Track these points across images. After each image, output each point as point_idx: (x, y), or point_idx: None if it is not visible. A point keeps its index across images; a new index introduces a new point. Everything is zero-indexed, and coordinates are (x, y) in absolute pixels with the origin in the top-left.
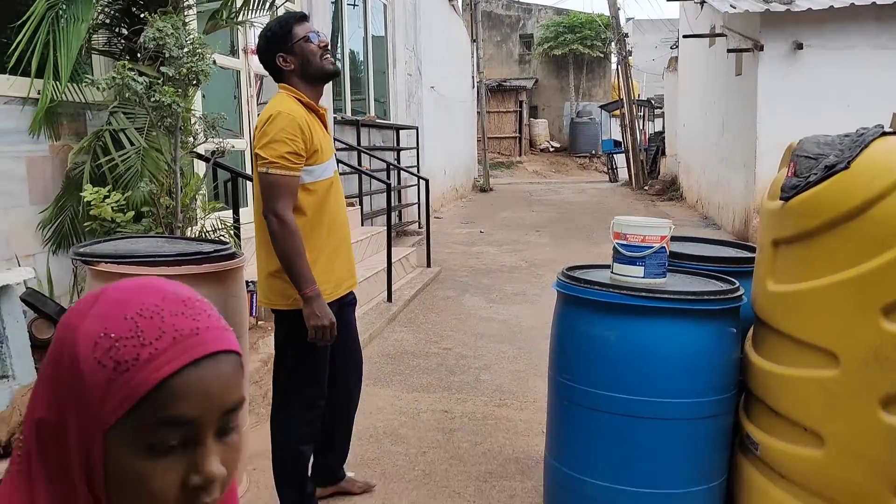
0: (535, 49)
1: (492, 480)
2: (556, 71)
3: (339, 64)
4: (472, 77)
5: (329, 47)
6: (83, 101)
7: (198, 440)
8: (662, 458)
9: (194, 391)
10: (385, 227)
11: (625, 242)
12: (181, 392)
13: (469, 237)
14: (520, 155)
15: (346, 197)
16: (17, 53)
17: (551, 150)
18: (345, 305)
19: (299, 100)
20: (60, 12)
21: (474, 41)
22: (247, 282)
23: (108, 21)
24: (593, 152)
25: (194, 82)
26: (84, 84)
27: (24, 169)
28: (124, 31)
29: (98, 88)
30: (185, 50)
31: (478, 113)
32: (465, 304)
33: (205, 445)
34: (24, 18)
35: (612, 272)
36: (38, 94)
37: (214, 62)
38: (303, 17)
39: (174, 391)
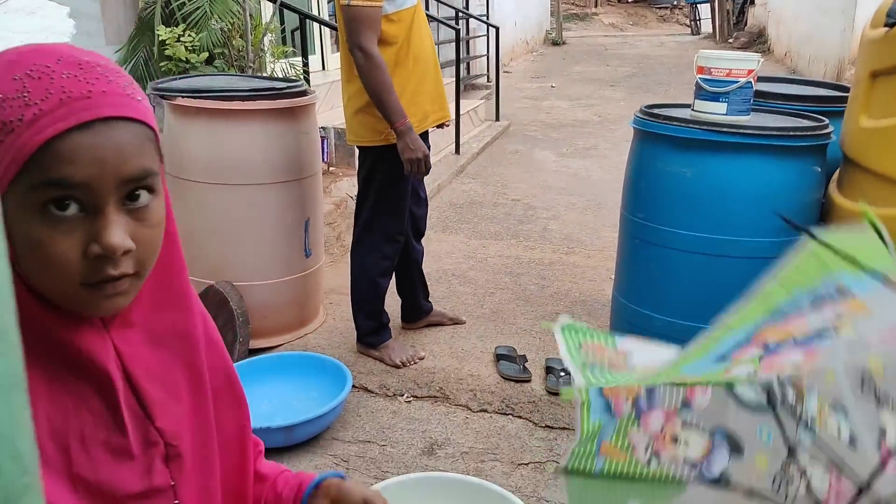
0: None
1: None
2: None
3: None
4: None
5: None
6: None
7: (96, 208)
8: (735, 296)
9: (82, 155)
10: (453, 79)
11: (708, 77)
12: (66, 154)
13: (539, 92)
14: (595, 6)
15: None
16: None
17: (629, 0)
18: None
19: None
20: None
21: None
22: (321, 127)
23: None
24: (675, 3)
25: None
26: None
27: (98, 9)
28: None
29: None
30: None
31: None
32: (534, 158)
33: (104, 214)
34: None
35: (692, 109)
36: None
37: None
38: None
39: (59, 153)
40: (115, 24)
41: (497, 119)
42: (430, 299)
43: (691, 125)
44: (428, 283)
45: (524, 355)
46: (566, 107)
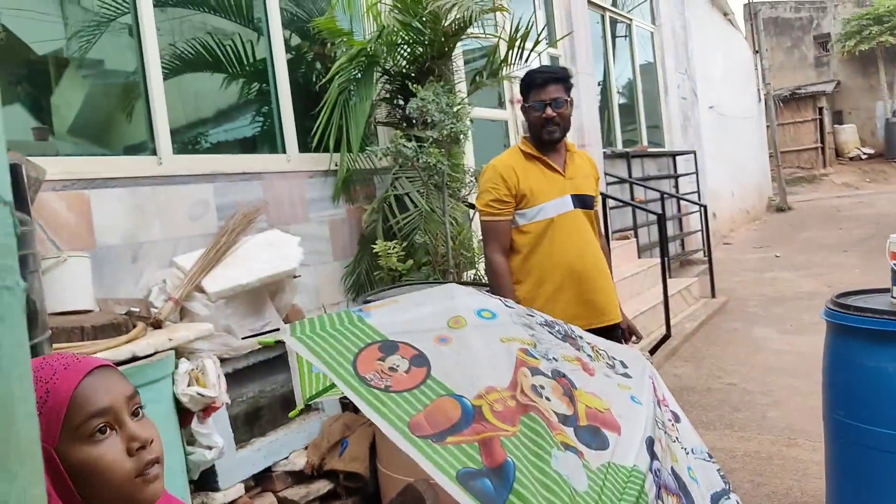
0: (834, 48)
1: None
2: (861, 69)
3: (610, 95)
4: (758, 90)
5: (556, 118)
6: (372, 167)
7: (121, 423)
8: None
9: (98, 388)
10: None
11: None
12: (89, 392)
13: (762, 262)
14: (824, 167)
15: (620, 230)
16: (318, 135)
17: (863, 157)
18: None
19: (523, 150)
20: (349, 95)
21: (757, 52)
22: None
23: (387, 96)
24: None
25: (456, 141)
26: (367, 154)
27: (328, 231)
28: (401, 103)
29: (377, 156)
30: (445, 113)
31: (767, 126)
32: (753, 336)
33: (127, 424)
34: (322, 104)
35: (892, 296)
36: (336, 166)
37: (472, 121)
38: (545, 83)
39: (84, 394)
40: (342, 242)
41: (713, 296)
42: None
43: (888, 316)
44: None
45: None
46: (791, 278)
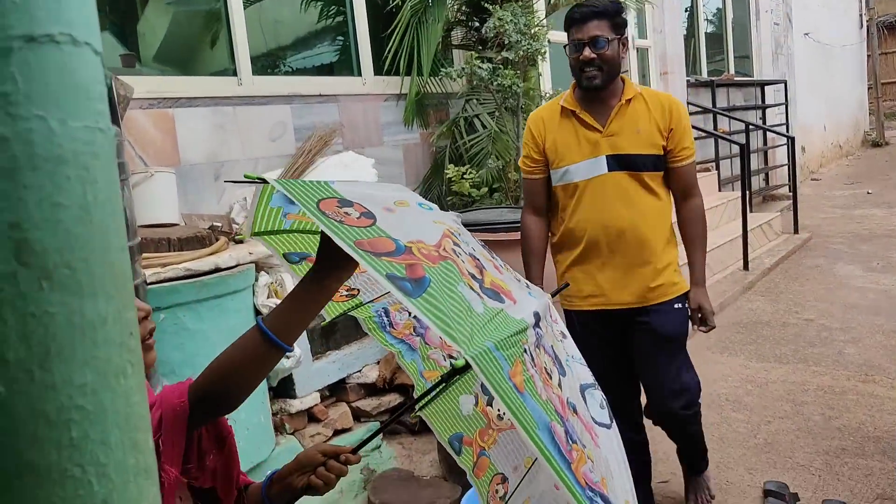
0: None
1: (844, 457)
2: None
3: (697, 22)
4: (860, 15)
5: (596, 61)
6: (445, 91)
7: None
8: None
9: None
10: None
11: None
12: None
13: (851, 199)
14: None
15: (701, 162)
16: (389, 58)
17: None
18: (630, 324)
19: (563, 103)
20: (421, 17)
21: None
22: None
23: (462, 17)
24: None
25: (531, 63)
26: (440, 76)
27: (401, 154)
28: (476, 25)
29: (451, 78)
30: (523, 34)
31: (868, 56)
32: (836, 273)
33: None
34: (393, 27)
35: None
36: (408, 89)
37: (549, 41)
38: (584, 18)
39: None
40: (415, 166)
41: (796, 231)
42: None
43: None
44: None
45: (796, 494)
46: (882, 215)
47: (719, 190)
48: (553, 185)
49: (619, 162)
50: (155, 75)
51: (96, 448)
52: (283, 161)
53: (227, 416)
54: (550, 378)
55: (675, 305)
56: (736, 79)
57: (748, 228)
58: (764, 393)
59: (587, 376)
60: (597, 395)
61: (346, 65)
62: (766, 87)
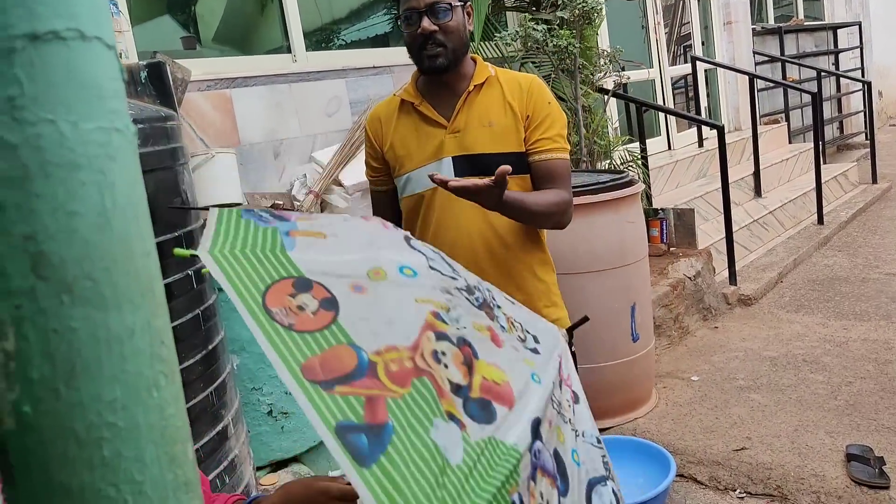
0: None
1: None
2: None
3: None
4: None
5: (437, 35)
6: (499, 55)
7: None
8: None
9: None
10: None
11: None
12: None
13: None
14: None
15: (769, 114)
16: None
17: None
18: None
19: (402, 94)
20: None
21: None
22: (659, 209)
23: None
24: None
25: (588, 22)
26: (494, 41)
27: None
28: None
29: (504, 43)
30: None
31: None
32: None
33: None
34: None
35: None
36: None
37: None
38: None
39: None
40: None
41: (874, 181)
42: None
43: None
44: (774, 370)
45: (882, 457)
46: None
47: (789, 142)
48: (399, 198)
49: (468, 164)
50: (215, 56)
51: (130, 466)
52: (341, 136)
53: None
54: None
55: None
56: (805, 24)
57: (822, 181)
58: (844, 352)
59: (598, 467)
60: (605, 495)
61: (398, 34)
62: (839, 31)
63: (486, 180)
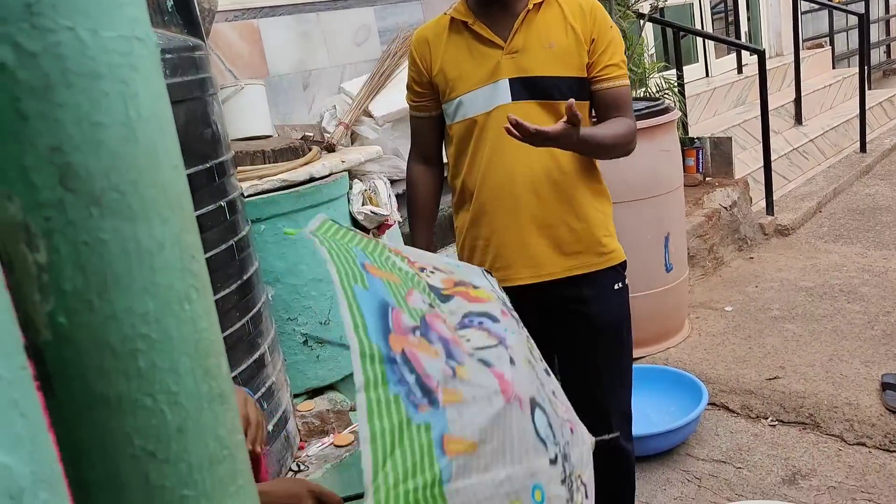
0: None
1: None
2: None
3: None
4: None
5: None
6: None
7: None
8: None
9: None
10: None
11: None
12: None
13: None
14: None
15: (812, 38)
16: None
17: None
18: (551, 309)
19: (452, 13)
20: None
21: None
22: (696, 138)
23: None
24: None
25: None
26: None
27: None
28: None
29: None
30: None
31: None
32: None
33: None
34: None
35: None
36: None
37: None
38: None
39: None
40: None
41: None
42: None
43: None
44: (810, 300)
45: None
46: None
47: (833, 67)
48: (448, 125)
49: (526, 87)
50: None
51: (165, 377)
52: (370, 66)
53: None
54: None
55: (615, 286)
56: None
57: (866, 107)
58: (883, 282)
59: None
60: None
61: None
62: None
63: (562, 123)
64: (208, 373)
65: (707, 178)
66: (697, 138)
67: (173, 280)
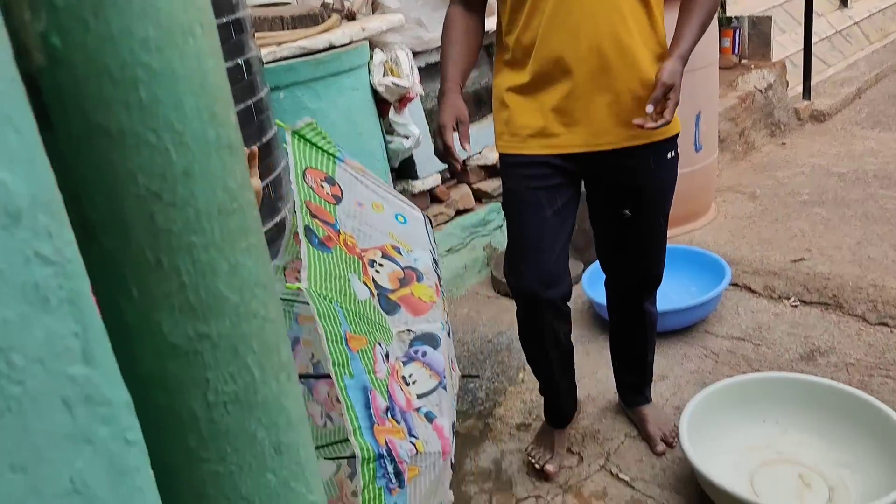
0: None
1: None
2: None
3: None
4: None
5: None
6: None
7: None
8: None
9: None
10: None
11: None
12: None
13: None
14: None
15: None
16: None
17: None
18: (598, 177)
19: None
20: None
21: None
22: (733, 17)
23: None
24: None
25: None
26: None
27: None
28: None
29: None
30: None
31: None
32: None
33: None
34: None
35: None
36: None
37: None
38: None
39: None
40: None
41: None
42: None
43: None
44: (842, 186)
45: None
46: None
47: None
48: None
49: None
50: None
51: (169, 113)
52: None
53: None
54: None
55: (669, 155)
56: None
57: None
58: None
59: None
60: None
61: None
62: None
63: (663, 76)
64: (215, 118)
65: (742, 61)
66: (735, 17)
67: (174, 9)
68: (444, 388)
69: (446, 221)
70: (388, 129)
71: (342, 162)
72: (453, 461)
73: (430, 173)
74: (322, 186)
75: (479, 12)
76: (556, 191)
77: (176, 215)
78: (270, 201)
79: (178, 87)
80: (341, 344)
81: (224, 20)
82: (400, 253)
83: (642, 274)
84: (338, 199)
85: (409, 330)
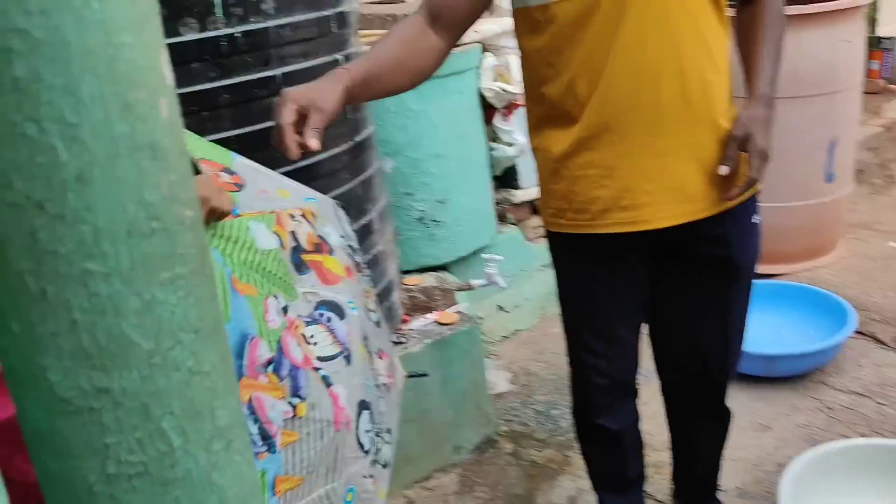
0: None
1: None
2: None
3: None
4: None
5: None
6: None
7: None
8: None
9: None
10: None
11: None
12: None
13: None
14: None
15: None
16: None
17: None
18: (675, 251)
19: None
20: None
21: None
22: (884, 38)
23: None
24: None
25: None
26: None
27: None
28: None
29: None
30: None
31: None
32: None
33: None
34: None
35: None
36: None
37: None
38: None
39: None
40: None
41: None
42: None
43: None
44: None
45: None
46: None
47: None
48: (515, 8)
49: None
50: None
51: (57, 98)
52: None
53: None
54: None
55: (753, 219)
56: None
57: None
58: None
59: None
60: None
61: None
62: None
63: (736, 129)
64: (130, 109)
65: (891, 86)
66: (887, 38)
67: None
68: (347, 359)
69: None
70: (493, 136)
71: (238, 155)
72: (366, 447)
73: (533, 184)
74: (219, 176)
75: (443, 36)
76: (621, 268)
77: (65, 233)
78: (359, 202)
79: (71, 64)
80: (222, 279)
81: (326, 13)
82: (314, 221)
83: (720, 365)
84: (240, 187)
85: (315, 293)
